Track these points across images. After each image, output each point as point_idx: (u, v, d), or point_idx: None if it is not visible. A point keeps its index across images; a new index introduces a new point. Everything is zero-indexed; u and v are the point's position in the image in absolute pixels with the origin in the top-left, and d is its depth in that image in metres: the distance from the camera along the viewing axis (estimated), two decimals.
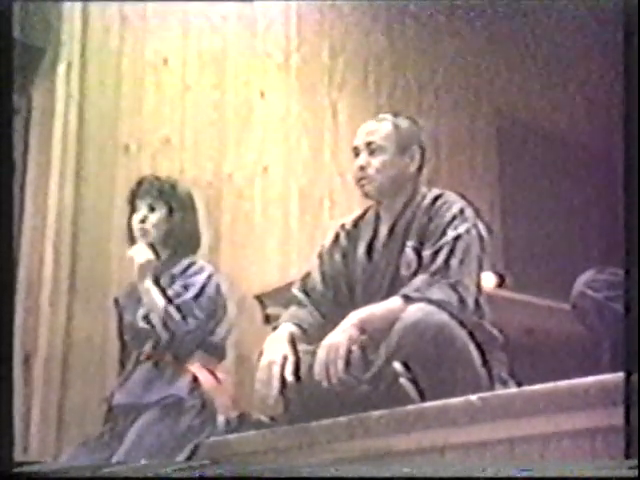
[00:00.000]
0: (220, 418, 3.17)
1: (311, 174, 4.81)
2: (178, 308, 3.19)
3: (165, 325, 3.17)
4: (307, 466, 2.64)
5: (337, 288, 3.16)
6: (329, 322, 3.01)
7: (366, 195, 3.12)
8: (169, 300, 3.21)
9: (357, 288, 3.11)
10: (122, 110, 4.34)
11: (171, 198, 3.37)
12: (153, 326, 3.19)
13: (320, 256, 3.22)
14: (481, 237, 3.00)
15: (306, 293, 3.17)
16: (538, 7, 5.53)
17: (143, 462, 2.94)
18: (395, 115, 3.18)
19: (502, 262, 4.88)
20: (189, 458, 3.03)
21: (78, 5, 4.28)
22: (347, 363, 2.77)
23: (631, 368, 2.03)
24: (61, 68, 4.20)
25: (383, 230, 3.10)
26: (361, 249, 3.13)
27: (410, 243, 3.00)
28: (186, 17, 4.60)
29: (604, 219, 5.36)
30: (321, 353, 2.79)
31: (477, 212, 3.05)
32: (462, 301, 2.85)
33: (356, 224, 3.22)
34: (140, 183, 3.43)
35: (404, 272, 2.99)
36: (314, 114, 4.89)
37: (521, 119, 5.64)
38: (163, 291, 3.24)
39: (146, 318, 3.23)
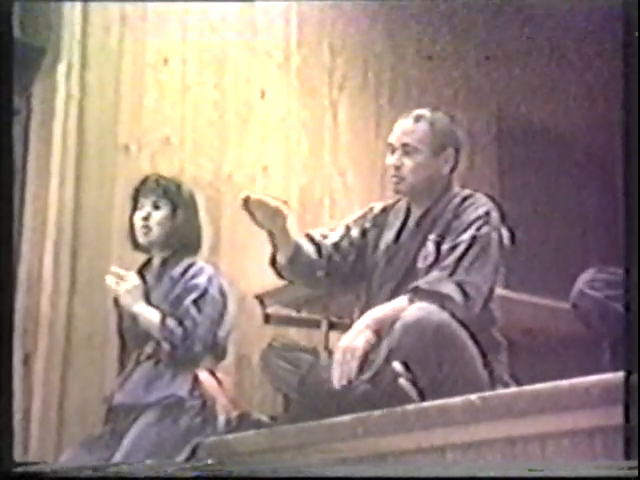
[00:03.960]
0: (220, 418, 3.17)
1: (311, 174, 4.81)
2: (179, 316, 3.19)
3: (167, 339, 3.17)
4: (307, 466, 2.64)
5: (345, 257, 3.18)
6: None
7: (397, 192, 3.12)
8: (169, 306, 3.21)
9: (375, 272, 3.11)
10: (122, 110, 4.34)
11: (175, 197, 3.37)
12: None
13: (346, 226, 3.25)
14: (502, 243, 3.00)
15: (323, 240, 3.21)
16: (538, 7, 5.53)
17: (143, 462, 2.94)
18: (433, 111, 3.13)
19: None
20: (189, 458, 3.03)
21: (78, 5, 4.29)
22: (361, 367, 2.78)
23: (631, 367, 2.03)
24: (61, 68, 4.21)
25: (411, 221, 3.11)
26: (388, 235, 3.14)
27: (432, 237, 3.00)
28: (186, 17, 4.60)
29: (604, 219, 5.35)
30: (338, 355, 2.80)
31: (504, 218, 3.05)
32: (467, 300, 2.85)
33: (385, 209, 3.23)
34: (144, 181, 3.43)
35: (420, 264, 3.00)
36: (314, 114, 4.89)
37: (521, 119, 5.64)
38: (166, 293, 3.25)
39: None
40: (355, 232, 3.21)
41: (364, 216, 3.25)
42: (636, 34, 2.15)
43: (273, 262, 3.16)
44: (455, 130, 3.15)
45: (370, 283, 3.12)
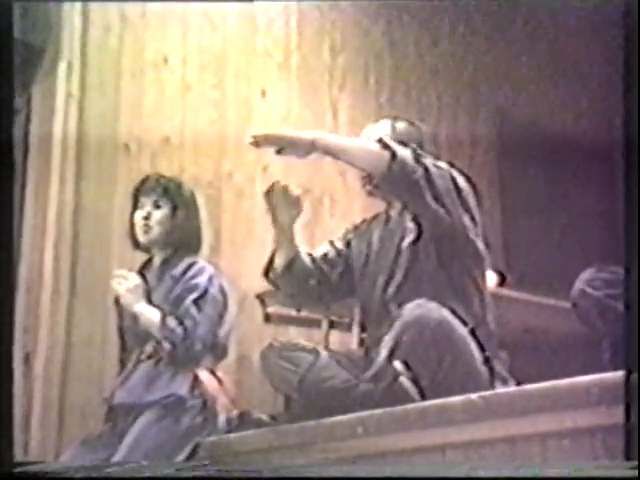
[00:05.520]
0: (221, 417, 3.17)
1: (311, 173, 4.81)
2: (180, 316, 3.19)
3: (167, 339, 3.17)
4: (307, 466, 2.64)
5: (333, 267, 3.24)
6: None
7: (369, 194, 3.16)
8: (170, 305, 3.21)
9: (367, 267, 3.15)
10: (122, 109, 4.34)
11: (176, 197, 3.37)
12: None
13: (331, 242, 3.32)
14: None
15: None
16: (538, 7, 5.53)
17: (143, 462, 2.94)
18: (394, 119, 3.24)
19: (502, 261, 4.88)
20: (189, 457, 3.03)
21: (78, 4, 4.29)
22: None
23: (631, 366, 2.03)
24: (61, 67, 4.20)
25: (393, 222, 3.14)
26: (374, 236, 3.18)
27: (411, 214, 3.04)
28: (186, 16, 4.60)
29: (604, 218, 5.36)
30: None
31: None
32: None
33: (365, 221, 3.30)
34: (145, 180, 3.43)
35: (405, 244, 3.03)
36: (314, 113, 4.89)
37: (521, 119, 5.64)
38: (166, 293, 3.25)
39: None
40: (340, 244, 3.29)
41: (346, 233, 3.33)
42: (636, 34, 2.15)
43: (267, 273, 3.21)
44: (416, 131, 3.22)
45: (363, 278, 3.15)
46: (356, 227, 3.31)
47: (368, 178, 3.11)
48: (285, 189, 3.12)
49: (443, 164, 3.02)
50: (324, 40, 5.03)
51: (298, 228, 3.20)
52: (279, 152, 3.00)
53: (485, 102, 5.54)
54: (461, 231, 2.98)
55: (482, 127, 5.51)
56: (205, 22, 4.66)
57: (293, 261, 3.16)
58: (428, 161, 2.96)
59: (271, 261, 3.21)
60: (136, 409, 3.15)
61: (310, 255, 3.23)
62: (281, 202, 3.11)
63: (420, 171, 2.91)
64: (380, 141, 2.94)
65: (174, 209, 3.35)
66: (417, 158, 2.92)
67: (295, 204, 3.13)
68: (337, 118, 4.97)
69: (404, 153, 2.90)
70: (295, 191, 3.14)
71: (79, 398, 3.89)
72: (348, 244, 3.26)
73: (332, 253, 3.26)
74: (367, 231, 3.23)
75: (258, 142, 2.97)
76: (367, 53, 5.17)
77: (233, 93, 4.68)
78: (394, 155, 2.88)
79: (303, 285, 3.21)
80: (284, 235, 3.16)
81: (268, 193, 3.13)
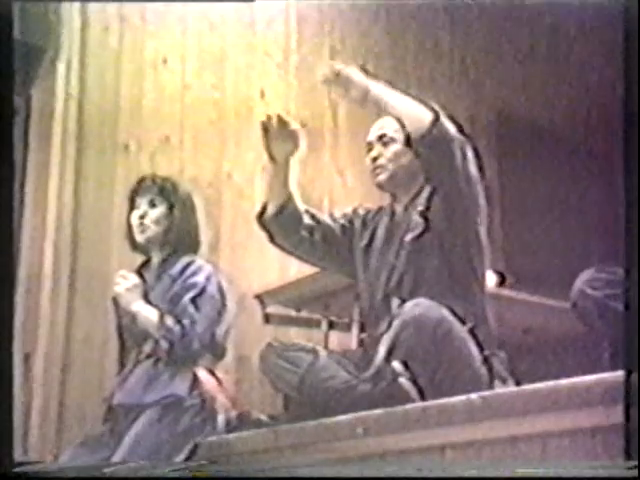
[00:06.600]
0: (220, 417, 3.17)
1: (311, 173, 4.81)
2: (177, 315, 3.19)
3: (165, 337, 3.17)
4: (307, 466, 2.64)
5: (336, 222, 3.25)
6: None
7: (379, 185, 3.14)
8: (168, 304, 3.21)
9: (370, 262, 3.13)
10: (121, 109, 4.34)
11: (172, 196, 3.37)
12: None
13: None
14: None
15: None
16: (538, 7, 5.53)
17: (143, 462, 2.95)
18: None
19: (502, 261, 4.88)
20: (189, 458, 3.03)
21: (77, 5, 4.29)
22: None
23: (631, 367, 2.03)
24: (60, 68, 4.21)
25: (398, 216, 3.13)
26: (380, 230, 3.16)
27: (418, 209, 3.03)
28: (185, 16, 4.61)
29: (604, 218, 5.35)
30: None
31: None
32: None
33: (369, 211, 3.28)
34: (140, 181, 3.44)
35: (409, 237, 3.02)
36: (314, 113, 4.89)
37: (521, 118, 5.64)
38: (165, 292, 3.25)
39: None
40: (341, 219, 3.27)
41: (348, 214, 3.29)
42: (636, 34, 2.15)
43: (261, 216, 3.18)
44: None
45: (366, 271, 3.13)
46: (356, 211, 3.29)
47: (380, 167, 3.10)
48: (283, 121, 3.06)
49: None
50: (323, 40, 5.03)
51: (294, 170, 3.16)
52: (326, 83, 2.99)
53: (485, 102, 5.54)
54: (472, 216, 2.97)
55: (481, 127, 5.51)
56: (204, 22, 4.66)
57: (286, 204, 3.14)
58: (465, 141, 2.98)
59: (263, 209, 3.19)
60: (135, 409, 3.15)
61: (311, 213, 3.21)
62: (277, 135, 3.05)
63: (458, 142, 2.93)
64: (426, 104, 2.94)
65: (170, 208, 3.35)
66: (460, 130, 2.94)
67: (292, 138, 3.06)
68: (336, 118, 4.97)
69: (447, 122, 2.91)
70: (294, 125, 3.07)
71: (79, 398, 3.89)
72: (350, 222, 3.24)
73: (329, 219, 3.25)
74: (372, 221, 3.21)
75: (328, 78, 2.96)
76: (367, 53, 5.17)
77: (232, 93, 4.68)
78: (437, 117, 2.89)
79: (294, 233, 3.18)
80: (278, 173, 3.10)
81: (265, 124, 3.06)
